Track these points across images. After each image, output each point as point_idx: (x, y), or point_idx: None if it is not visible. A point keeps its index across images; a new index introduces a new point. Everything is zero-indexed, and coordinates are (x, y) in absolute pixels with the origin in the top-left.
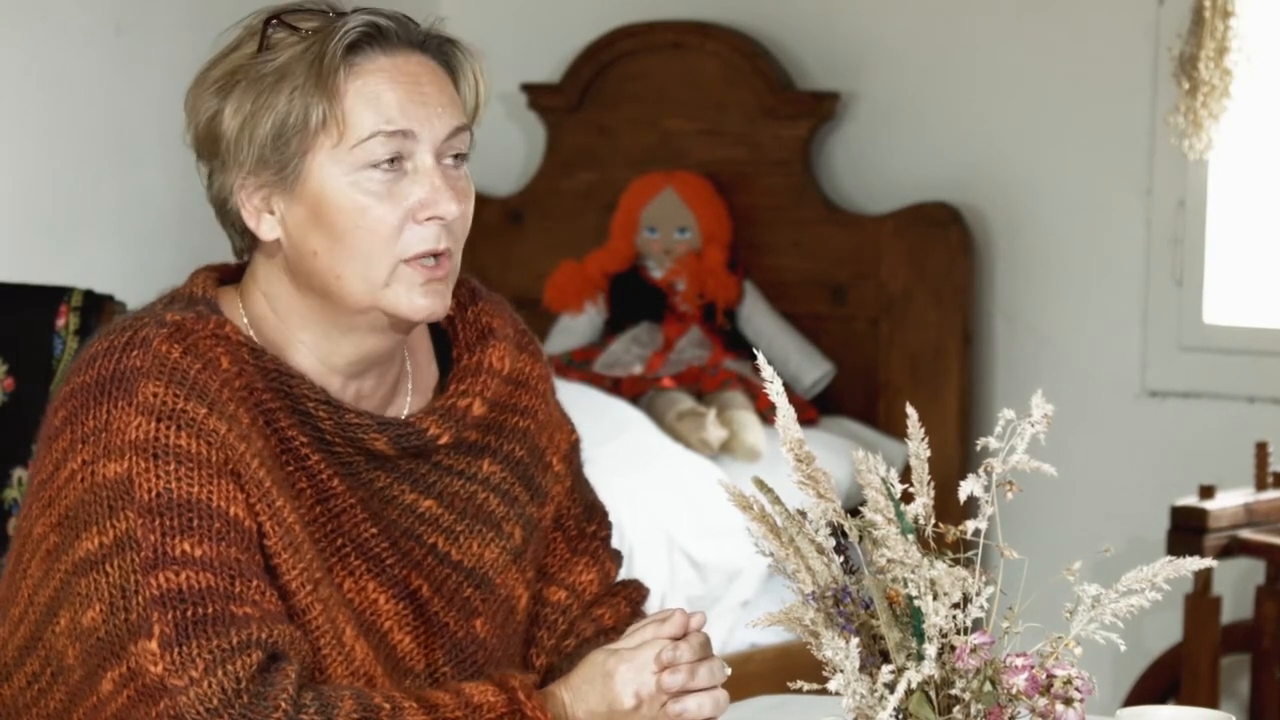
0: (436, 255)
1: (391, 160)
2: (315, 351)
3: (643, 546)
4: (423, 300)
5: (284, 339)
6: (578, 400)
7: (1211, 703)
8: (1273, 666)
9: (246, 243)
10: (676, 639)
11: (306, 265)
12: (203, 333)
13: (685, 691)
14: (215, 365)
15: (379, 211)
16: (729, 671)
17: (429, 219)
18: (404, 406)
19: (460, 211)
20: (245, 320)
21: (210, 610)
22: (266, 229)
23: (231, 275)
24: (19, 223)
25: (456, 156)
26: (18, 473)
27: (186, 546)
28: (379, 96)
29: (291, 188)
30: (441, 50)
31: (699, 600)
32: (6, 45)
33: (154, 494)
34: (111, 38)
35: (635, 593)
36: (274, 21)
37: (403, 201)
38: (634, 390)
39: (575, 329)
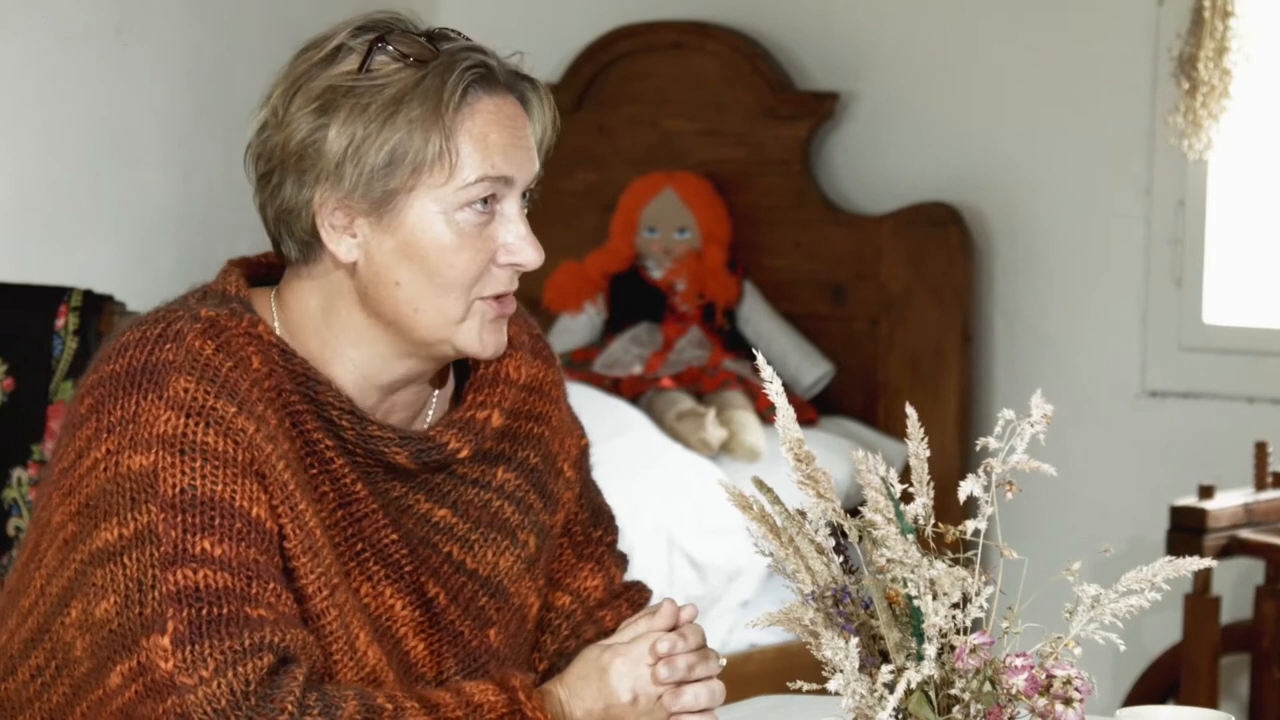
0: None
1: (485, 201)
2: (362, 369)
3: (642, 547)
4: (490, 338)
5: (330, 351)
6: (577, 400)
7: (1211, 703)
8: (1272, 666)
9: (305, 254)
10: (670, 630)
11: (384, 293)
12: (236, 330)
13: (681, 683)
14: (246, 364)
15: (469, 252)
16: (724, 662)
17: (509, 264)
18: (428, 418)
19: (541, 260)
20: (277, 322)
21: (225, 610)
22: (345, 251)
23: (260, 270)
24: (19, 223)
25: (524, 195)
26: (17, 472)
27: (206, 545)
28: (486, 139)
29: (385, 219)
30: (521, 91)
31: (699, 600)
32: (6, 45)
33: (178, 490)
34: (111, 38)
35: (638, 595)
36: (378, 43)
37: (490, 244)
38: (633, 390)
39: (575, 329)
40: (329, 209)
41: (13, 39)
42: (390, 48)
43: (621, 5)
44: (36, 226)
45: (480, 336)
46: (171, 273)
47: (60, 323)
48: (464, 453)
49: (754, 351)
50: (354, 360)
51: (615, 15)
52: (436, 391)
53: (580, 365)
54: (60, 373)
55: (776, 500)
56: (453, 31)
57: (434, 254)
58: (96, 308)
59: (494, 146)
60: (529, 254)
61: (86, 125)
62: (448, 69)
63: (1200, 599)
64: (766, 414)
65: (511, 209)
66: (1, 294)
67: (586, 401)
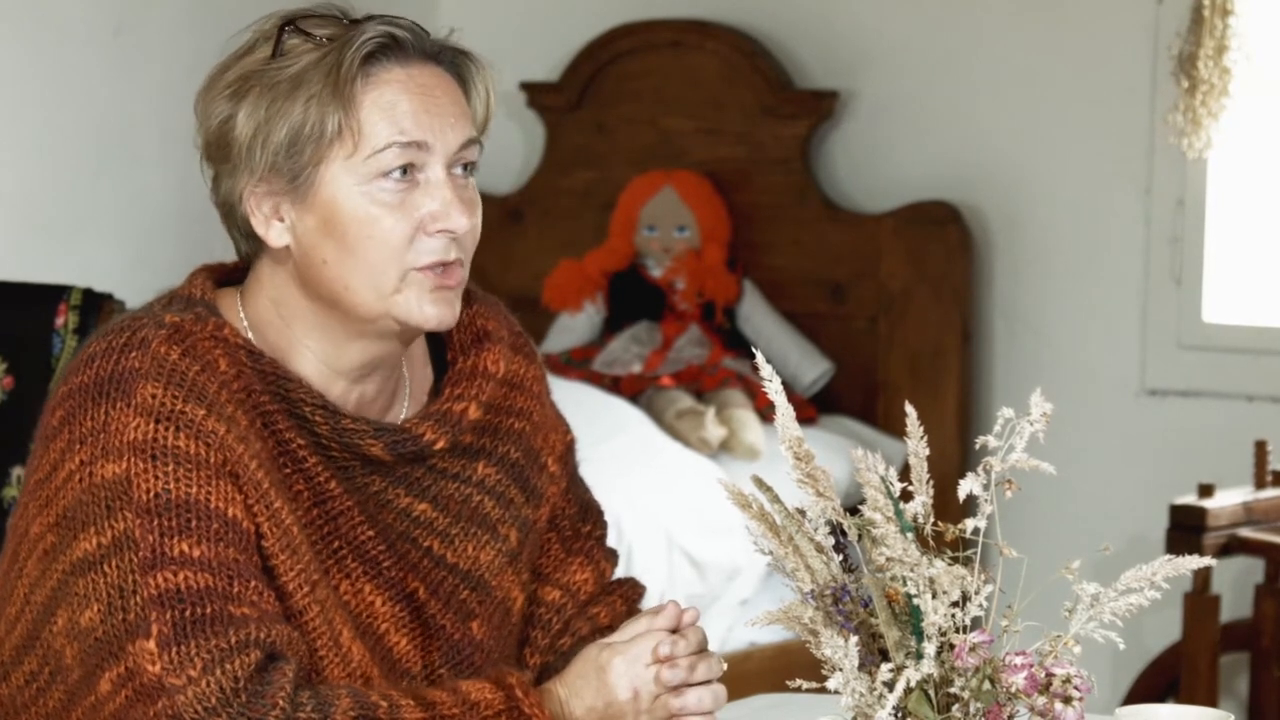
0: (446, 264)
1: (404, 170)
2: (321, 356)
3: (642, 545)
4: (432, 309)
5: (289, 343)
6: (577, 399)
7: (1210, 701)
8: (1272, 665)
9: (253, 246)
10: (671, 632)
11: (315, 273)
12: (201, 334)
13: (684, 685)
14: (214, 367)
15: (390, 222)
16: (725, 666)
17: (439, 231)
18: (402, 411)
19: (470, 225)
20: (245, 322)
21: (208, 610)
22: (275, 236)
23: (230, 275)
24: (19, 222)
25: (466, 166)
26: (16, 471)
27: (185, 547)
28: (394, 107)
29: (303, 196)
30: (454, 62)
31: (698, 599)
32: (6, 45)
33: (152, 495)
34: (111, 38)
35: (631, 591)
36: (289, 27)
37: (414, 213)
38: (633, 389)
39: (574, 328)
40: (257, 197)
41: (13, 39)
42: (301, 31)
43: (621, 4)
44: (36, 226)
45: (420, 307)
46: (171, 272)
47: (60, 321)
48: (440, 444)
49: (753, 350)
50: (312, 349)
51: (614, 14)
52: (407, 381)
53: (580, 364)
54: (60, 371)
55: (776, 499)
56: (386, 16)
57: (352, 227)
58: (96, 306)
59: (403, 113)
60: (455, 219)
61: (86, 125)
62: (348, 43)
63: (1200, 597)
64: (766, 412)
65: (435, 175)
66: (1, 293)
67: (585, 400)
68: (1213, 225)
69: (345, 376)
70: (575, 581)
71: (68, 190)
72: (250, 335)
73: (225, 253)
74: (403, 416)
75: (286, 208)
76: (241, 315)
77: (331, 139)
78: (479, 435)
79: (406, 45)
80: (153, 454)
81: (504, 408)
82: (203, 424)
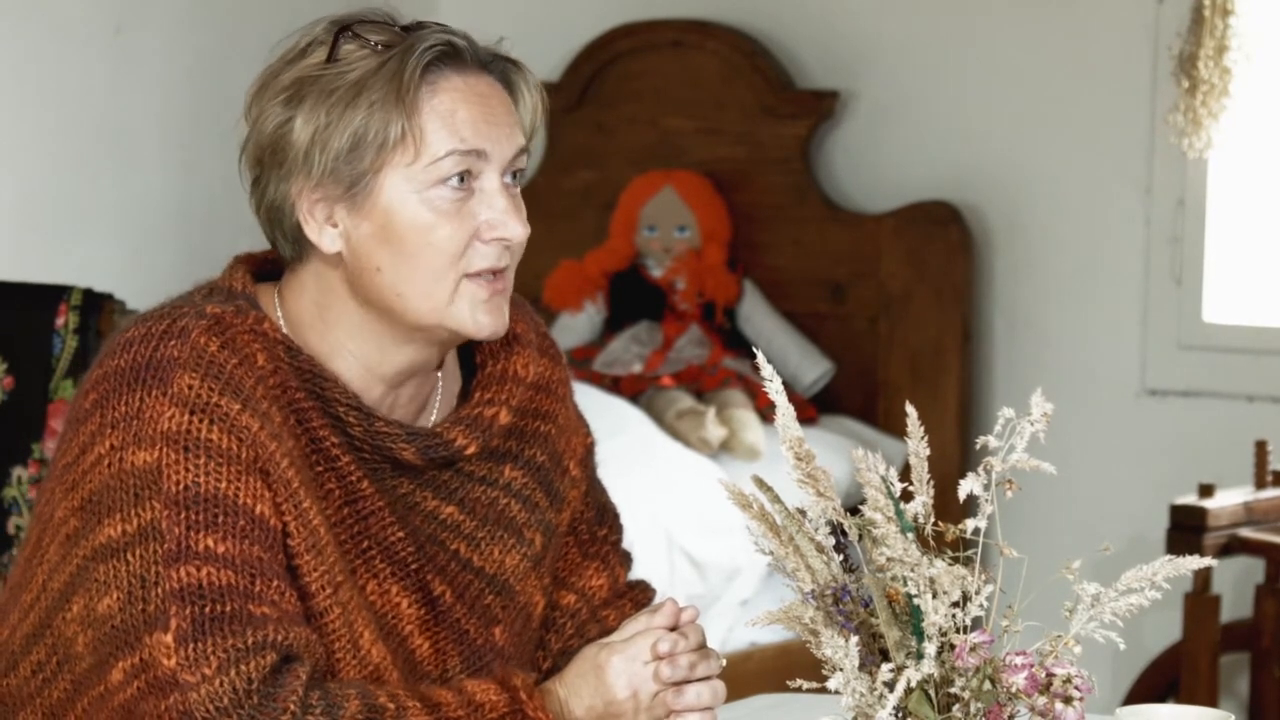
0: (497, 270)
1: (461, 178)
2: (362, 361)
3: (642, 545)
4: (485, 318)
5: (329, 346)
6: (577, 399)
7: (1211, 701)
8: (1272, 665)
9: (298, 251)
10: (670, 629)
11: (368, 280)
12: (241, 327)
13: (683, 682)
14: (251, 361)
15: (447, 230)
16: (724, 662)
17: (494, 239)
18: (433, 414)
19: (525, 233)
20: (281, 319)
21: (229, 608)
22: (329, 242)
23: (265, 266)
24: (19, 222)
25: (515, 174)
26: (17, 471)
27: (210, 542)
28: (454, 115)
29: (359, 203)
30: (504, 71)
31: (698, 599)
32: (6, 45)
33: (182, 486)
34: (111, 38)
35: (642, 595)
36: (345, 33)
37: (470, 221)
38: (633, 389)
39: (575, 328)
40: (308, 201)
41: (13, 39)
42: (358, 35)
43: (621, 4)
44: (36, 225)
45: (474, 317)
46: (171, 271)
47: (60, 321)
48: (471, 450)
49: (754, 350)
50: (354, 353)
51: (615, 13)
52: (440, 386)
53: (580, 364)
54: (60, 371)
55: (776, 499)
56: (437, 24)
57: (410, 234)
58: (96, 306)
59: (462, 122)
60: (512, 228)
61: (86, 125)
62: (409, 50)
63: (1200, 598)
64: (766, 412)
65: (491, 184)
66: (1, 293)
67: (586, 400)
68: (1213, 225)
69: (385, 381)
70: (590, 587)
71: (68, 190)
72: (288, 333)
73: (226, 252)
74: (434, 419)
75: (341, 214)
76: (279, 313)
77: (394, 145)
78: (507, 439)
79: (464, 54)
80: (185, 445)
81: (532, 411)
82: (237, 418)
